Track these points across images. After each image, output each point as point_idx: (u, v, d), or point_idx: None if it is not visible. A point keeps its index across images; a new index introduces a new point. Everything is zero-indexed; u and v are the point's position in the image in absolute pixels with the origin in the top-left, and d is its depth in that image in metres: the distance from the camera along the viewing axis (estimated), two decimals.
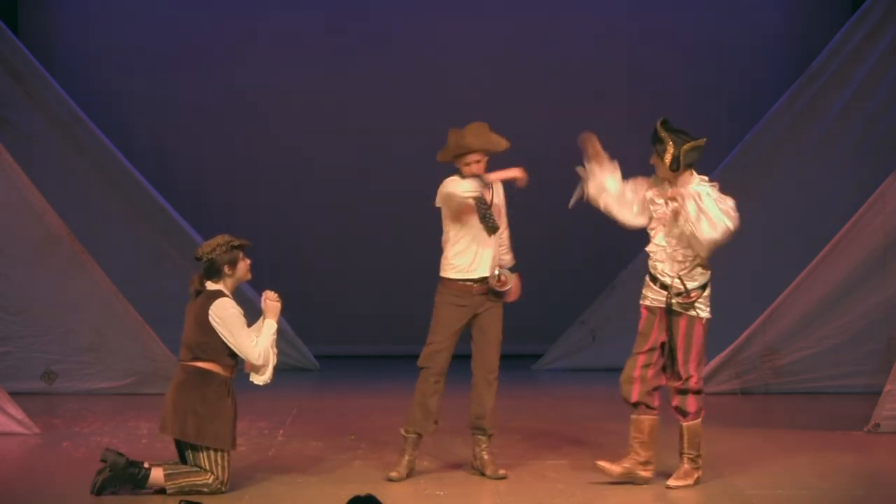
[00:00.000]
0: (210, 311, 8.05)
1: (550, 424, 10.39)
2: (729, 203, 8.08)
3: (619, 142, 14.08)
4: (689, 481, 8.22)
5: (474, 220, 8.42)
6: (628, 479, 8.24)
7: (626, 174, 13.88)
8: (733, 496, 8.07)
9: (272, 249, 13.33)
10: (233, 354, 8.11)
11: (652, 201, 8.22)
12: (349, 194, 14.23)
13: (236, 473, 8.33)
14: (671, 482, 8.22)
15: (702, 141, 8.10)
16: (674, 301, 8.13)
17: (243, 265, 8.21)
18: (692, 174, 8.14)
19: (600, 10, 14.28)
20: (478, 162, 8.41)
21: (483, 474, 8.47)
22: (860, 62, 12.69)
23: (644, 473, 8.26)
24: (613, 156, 14.15)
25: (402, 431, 8.50)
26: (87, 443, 9.61)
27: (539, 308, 14.12)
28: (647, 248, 8.26)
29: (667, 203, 8.15)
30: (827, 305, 11.48)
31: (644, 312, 8.25)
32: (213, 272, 8.14)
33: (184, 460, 8.13)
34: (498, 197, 8.55)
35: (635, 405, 8.24)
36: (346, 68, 14.15)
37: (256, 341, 8.09)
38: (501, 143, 8.49)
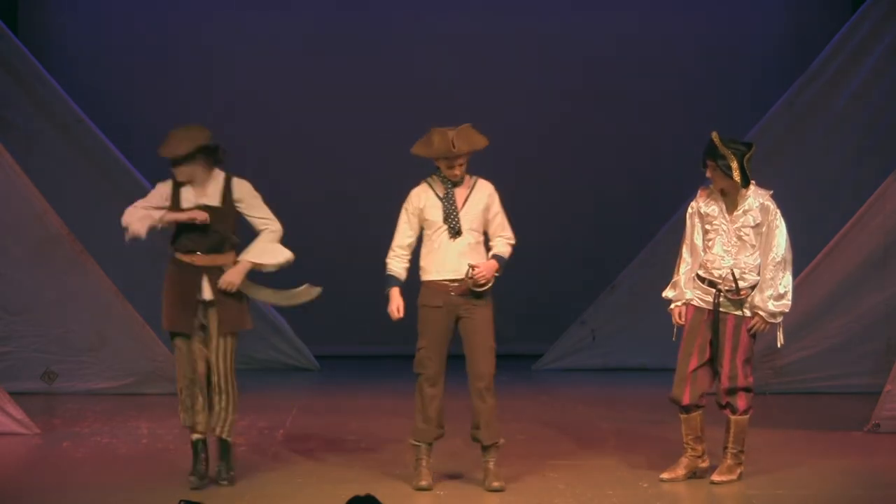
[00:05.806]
0: None
1: (550, 424, 10.38)
2: (789, 269, 8.22)
3: (617, 140, 14.27)
4: (733, 476, 8.26)
5: (440, 222, 8.30)
6: (693, 475, 8.32)
7: (625, 169, 14.06)
8: (733, 496, 8.06)
9: None
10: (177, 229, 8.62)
11: (707, 215, 8.21)
12: (350, 193, 14.22)
13: (237, 473, 8.33)
14: (715, 477, 8.26)
15: (754, 147, 8.16)
16: (722, 299, 8.13)
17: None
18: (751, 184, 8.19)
19: (600, 11, 14.28)
20: (461, 165, 8.31)
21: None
22: (860, 62, 12.68)
23: (703, 465, 8.36)
24: (612, 154, 14.27)
25: (411, 441, 8.29)
26: (87, 443, 9.60)
27: (539, 308, 14.15)
28: (705, 258, 8.17)
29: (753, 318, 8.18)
30: (827, 305, 11.48)
31: (691, 309, 8.23)
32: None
33: None
34: (479, 203, 8.33)
35: (686, 408, 8.26)
36: (352, 64, 14.12)
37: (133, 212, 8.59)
38: (482, 142, 8.32)
